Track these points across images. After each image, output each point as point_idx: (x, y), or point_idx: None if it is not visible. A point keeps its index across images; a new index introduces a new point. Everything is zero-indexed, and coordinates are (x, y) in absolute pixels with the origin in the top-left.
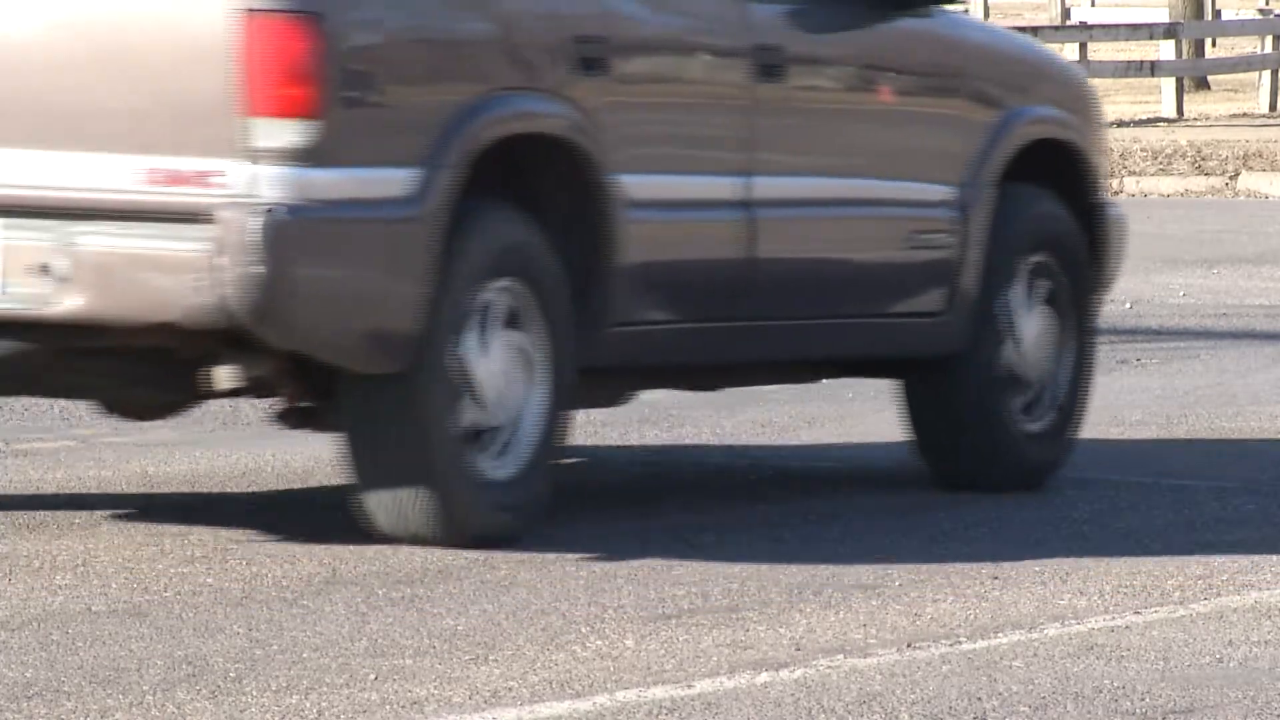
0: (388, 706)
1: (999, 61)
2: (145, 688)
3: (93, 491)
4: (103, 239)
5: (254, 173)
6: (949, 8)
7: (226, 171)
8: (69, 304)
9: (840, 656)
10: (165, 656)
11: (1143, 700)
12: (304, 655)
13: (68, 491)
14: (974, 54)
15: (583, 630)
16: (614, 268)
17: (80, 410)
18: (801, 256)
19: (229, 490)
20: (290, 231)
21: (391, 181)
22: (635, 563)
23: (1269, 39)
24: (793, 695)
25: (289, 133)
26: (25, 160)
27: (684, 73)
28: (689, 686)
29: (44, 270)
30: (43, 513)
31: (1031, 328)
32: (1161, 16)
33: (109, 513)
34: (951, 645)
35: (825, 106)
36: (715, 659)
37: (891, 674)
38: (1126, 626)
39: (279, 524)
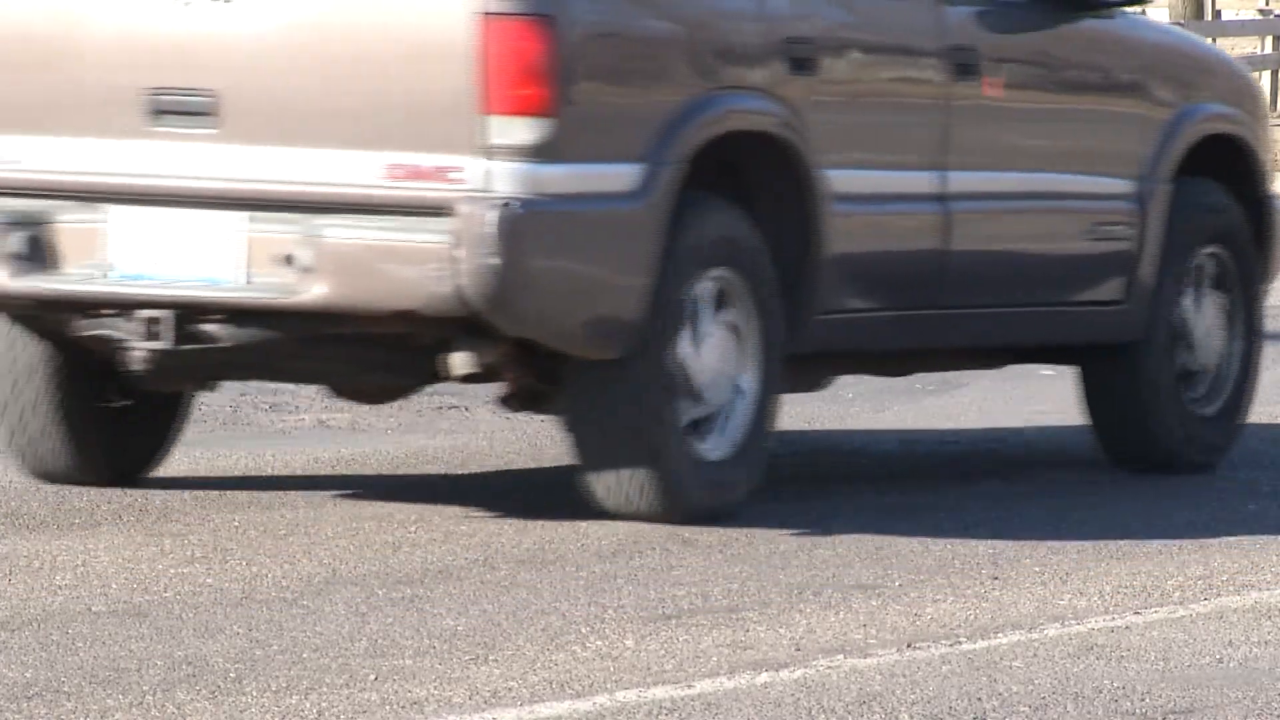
0: (388, 707)
1: (1174, 60)
2: (145, 688)
3: (92, 492)
4: (346, 231)
5: (490, 168)
6: (1128, 9)
7: (464, 167)
8: (313, 293)
9: (840, 657)
10: (165, 657)
11: (1143, 700)
12: (304, 655)
13: (68, 492)
14: (1151, 54)
15: (583, 630)
16: (820, 259)
17: None
18: (991, 248)
19: (229, 491)
20: (524, 224)
21: (617, 176)
22: (635, 563)
23: (1269, 39)
24: (793, 695)
25: (523, 130)
26: (269, 157)
27: (884, 72)
28: (689, 687)
29: (288, 261)
30: (43, 513)
31: (1205, 316)
32: (1162, 16)
33: (109, 513)
34: (951, 645)
35: (1014, 104)
36: (715, 659)
37: (891, 674)
38: (1126, 627)
39: (279, 524)
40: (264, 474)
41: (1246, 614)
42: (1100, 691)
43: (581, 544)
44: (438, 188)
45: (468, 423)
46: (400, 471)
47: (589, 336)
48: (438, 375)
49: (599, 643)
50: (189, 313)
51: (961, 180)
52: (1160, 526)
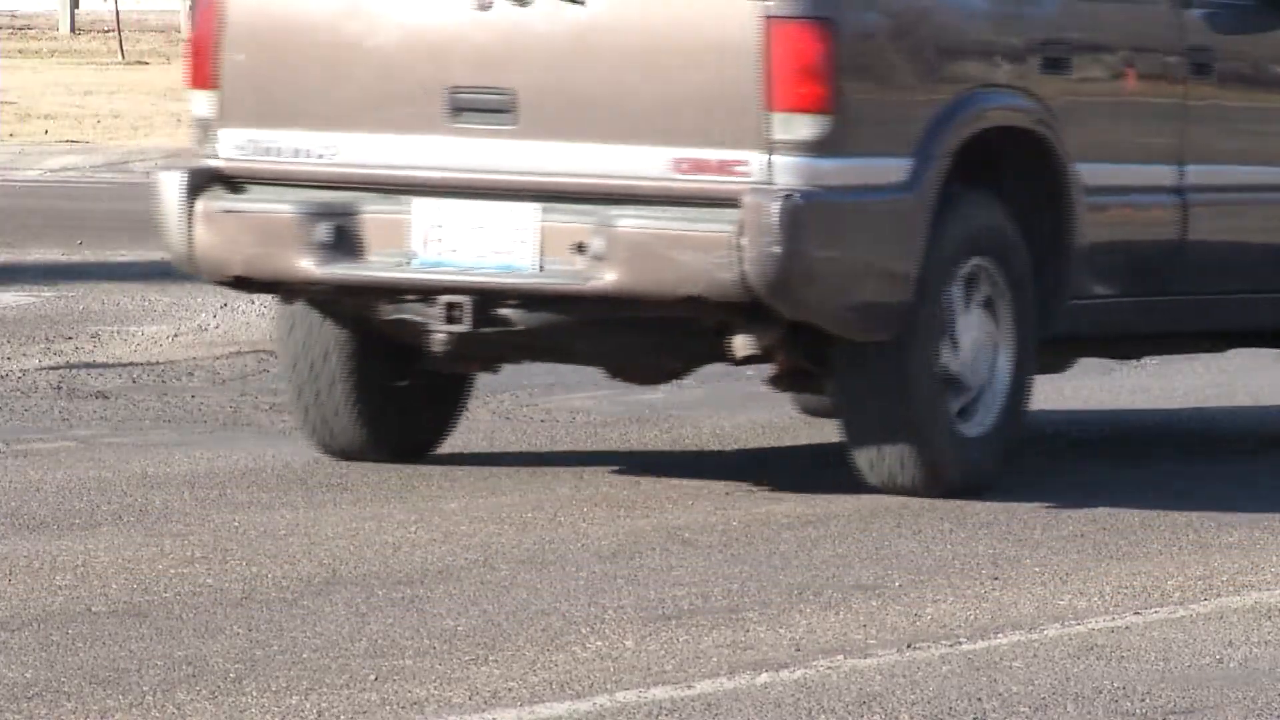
0: (388, 707)
1: None
2: (145, 688)
3: (92, 492)
4: (636, 221)
5: (773, 162)
6: None
7: (749, 161)
8: (605, 279)
9: (840, 657)
10: (165, 657)
11: (1143, 701)
12: (304, 656)
13: (67, 492)
14: None
15: (583, 631)
16: (1071, 248)
17: (80, 411)
18: (1225, 238)
19: (229, 491)
20: (805, 215)
21: (889, 170)
22: (635, 563)
23: None
24: (793, 696)
25: (804, 126)
26: (562, 151)
27: (1130, 71)
28: (689, 687)
29: (580, 249)
30: (42, 513)
31: None
32: None
33: (109, 513)
34: (951, 646)
35: (1246, 101)
36: (715, 659)
37: (891, 674)
38: (1127, 627)
39: (279, 524)
40: (264, 475)
41: (1247, 614)
42: (1100, 692)
43: (581, 544)
44: (724, 180)
45: (468, 423)
46: (400, 472)
47: (860, 320)
48: (712, 356)
49: (599, 643)
50: (486, 298)
51: (1198, 173)
52: (1160, 526)
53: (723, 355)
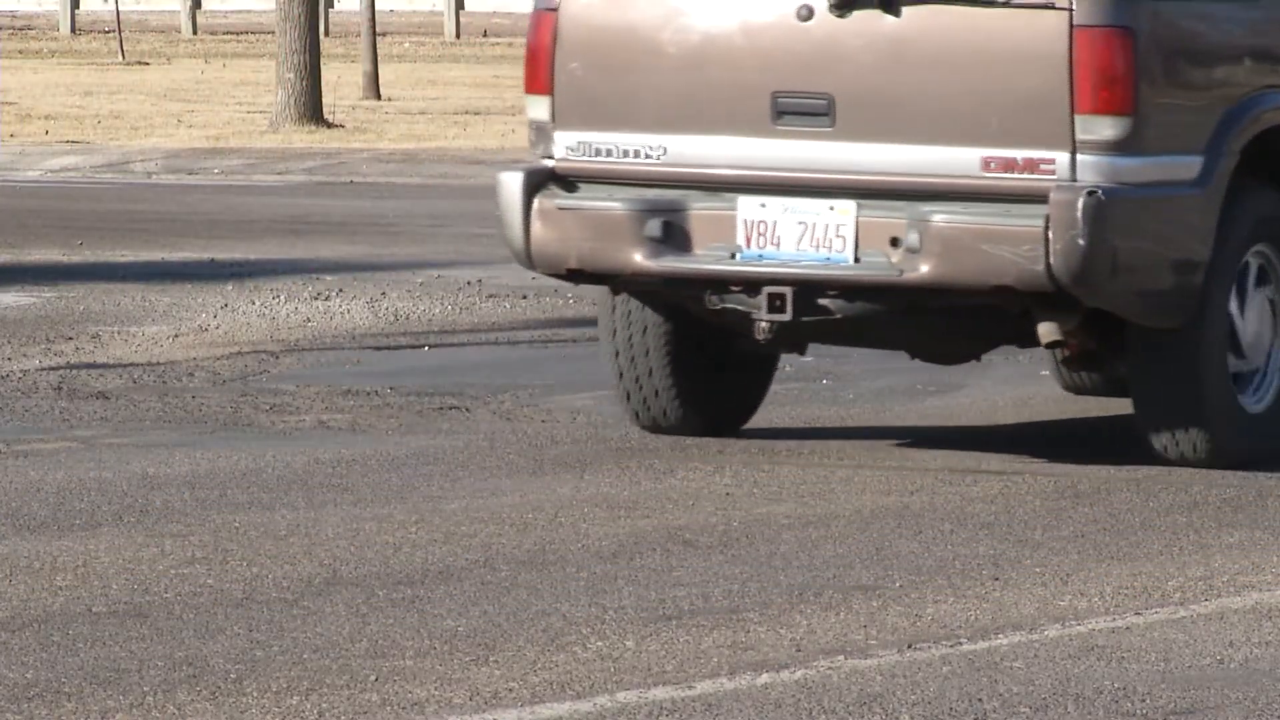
0: (388, 708)
1: None
2: (146, 689)
3: (93, 492)
4: (949, 216)
5: (1078, 160)
6: None
7: (1055, 160)
8: (920, 271)
9: (841, 657)
10: (166, 658)
11: (1143, 701)
12: (304, 656)
13: (68, 492)
14: None
15: (583, 631)
16: None
17: (80, 411)
18: None
19: (229, 491)
20: (1108, 210)
21: (1183, 167)
22: (636, 563)
23: None
24: (793, 696)
25: (1107, 127)
26: (877, 152)
27: None
28: (690, 688)
29: (895, 243)
30: (43, 513)
31: None
32: None
33: (109, 513)
34: (952, 646)
35: None
36: (716, 660)
37: (892, 675)
38: (1127, 627)
39: (279, 525)
40: (264, 475)
41: (1247, 615)
42: (1101, 692)
43: (582, 545)
44: (1031, 178)
45: (468, 423)
46: (400, 472)
47: (1156, 307)
48: (1009, 338)
49: (599, 644)
50: (808, 289)
51: None
52: (1160, 527)
53: (1018, 337)
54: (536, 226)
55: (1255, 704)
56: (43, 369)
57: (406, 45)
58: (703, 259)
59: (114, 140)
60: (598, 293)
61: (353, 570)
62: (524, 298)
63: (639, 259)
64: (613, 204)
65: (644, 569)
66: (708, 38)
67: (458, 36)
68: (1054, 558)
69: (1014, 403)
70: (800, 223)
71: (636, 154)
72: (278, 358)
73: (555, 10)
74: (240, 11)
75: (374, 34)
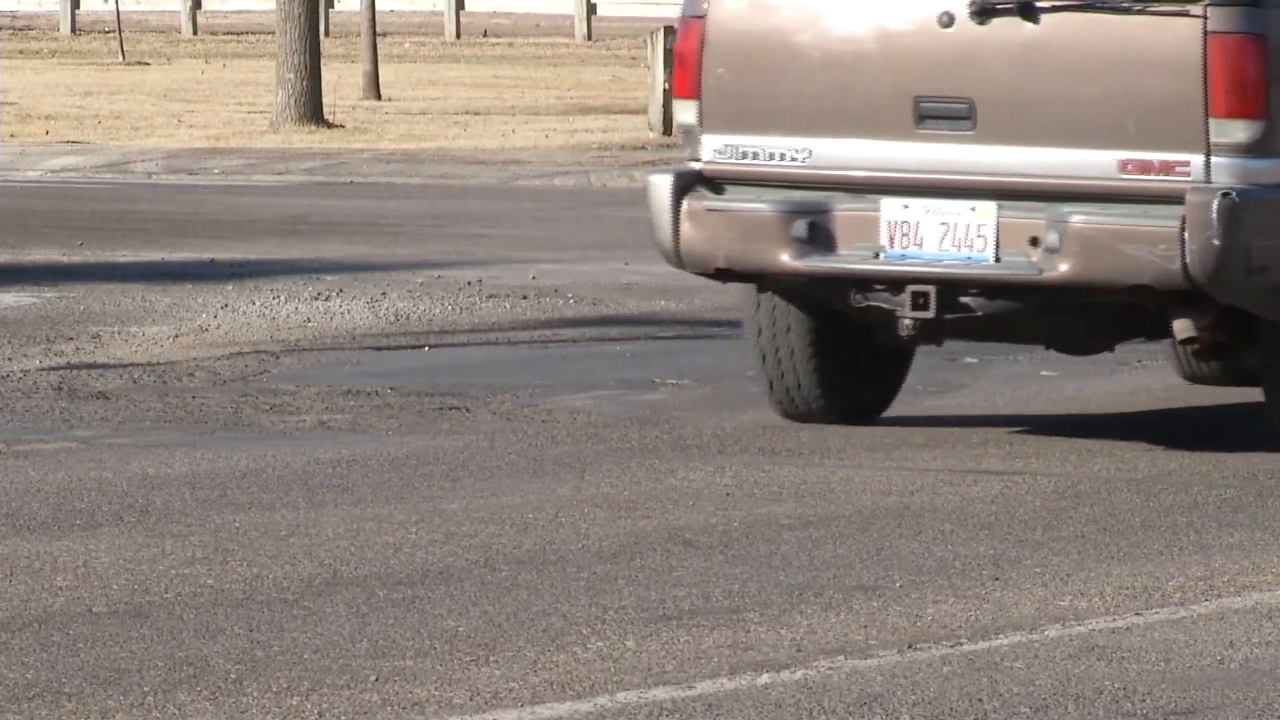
0: (389, 708)
1: None
2: (146, 689)
3: (93, 492)
4: (1087, 217)
5: (1212, 163)
6: None
7: (1190, 162)
8: (1059, 270)
9: (841, 658)
10: (166, 658)
11: (1144, 701)
12: (305, 656)
13: (68, 492)
14: None
15: (583, 631)
16: None
17: (80, 412)
18: None
19: (229, 491)
20: (1242, 211)
21: None
22: (636, 563)
23: None
24: (794, 696)
25: (1240, 130)
26: (1017, 154)
27: None
28: (690, 688)
29: (1034, 243)
30: (43, 513)
31: None
32: None
33: (109, 513)
34: (952, 646)
35: None
36: (716, 660)
37: (892, 675)
38: (1127, 628)
39: (280, 525)
40: (265, 475)
41: (1247, 615)
42: (1101, 692)
43: (582, 545)
44: (1167, 180)
45: (468, 423)
46: (401, 472)
47: None
48: (1141, 333)
49: (600, 644)
50: (950, 287)
51: None
52: (1161, 527)
53: (1150, 331)
54: (686, 228)
55: (1255, 704)
56: (43, 369)
57: (407, 45)
58: (847, 259)
59: (114, 140)
60: (741, 289)
61: (353, 570)
62: (524, 298)
63: (786, 259)
64: (760, 205)
65: (644, 569)
66: (851, 44)
67: (458, 37)
68: (1054, 558)
69: (1014, 403)
70: (942, 223)
71: (782, 157)
72: (278, 358)
73: (702, 18)
74: (240, 11)
75: (374, 34)
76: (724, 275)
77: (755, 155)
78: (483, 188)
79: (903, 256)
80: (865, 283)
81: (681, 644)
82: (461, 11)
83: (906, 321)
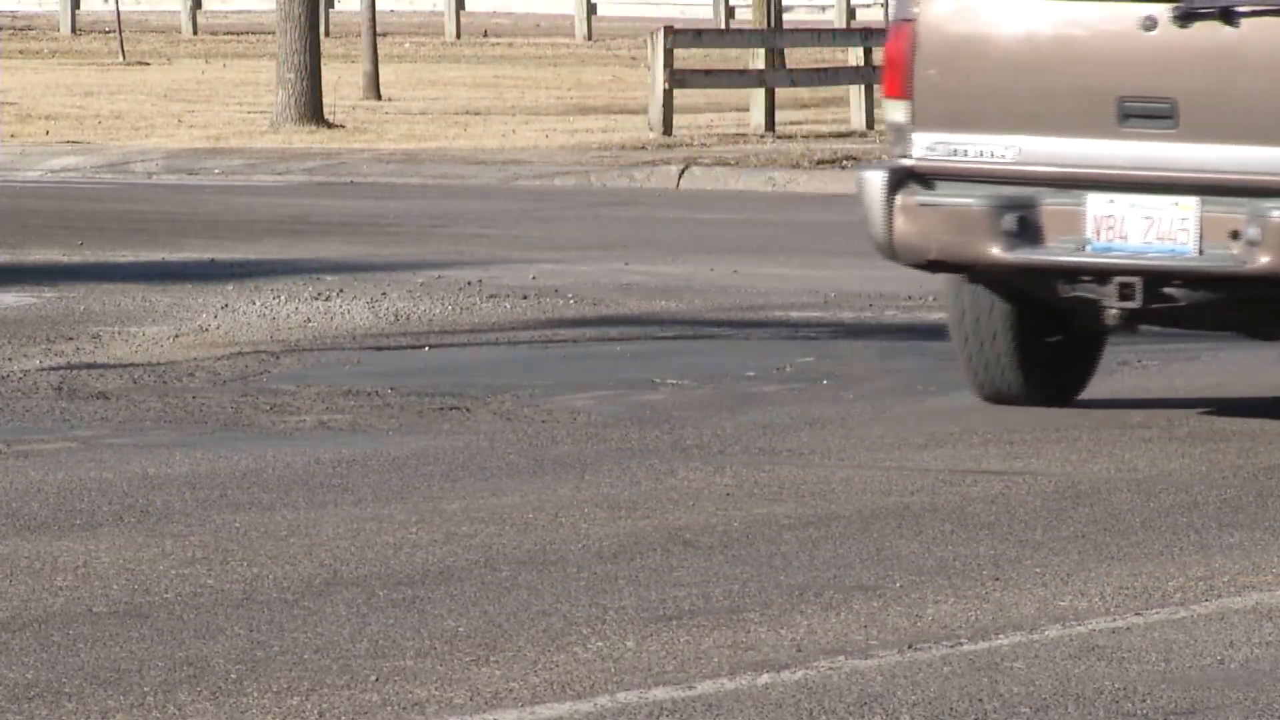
0: (389, 708)
1: None
2: (146, 689)
3: (93, 492)
4: None
5: None
6: None
7: None
8: (1260, 262)
9: (841, 658)
10: (166, 658)
11: (1144, 702)
12: (305, 657)
13: (68, 492)
14: None
15: (584, 631)
16: None
17: (81, 412)
18: None
19: (230, 491)
20: None
21: None
22: (636, 563)
23: None
24: (794, 697)
25: None
26: (1219, 152)
27: None
28: (690, 688)
29: (1235, 236)
30: (43, 514)
31: None
32: None
33: (109, 514)
34: (952, 646)
35: None
36: (716, 660)
37: (892, 675)
38: (1128, 628)
39: (280, 525)
40: (265, 475)
41: (1248, 615)
42: (1101, 693)
43: (582, 545)
44: None
45: (468, 423)
46: (401, 472)
47: None
48: None
49: (600, 644)
50: (1154, 279)
51: None
52: (1161, 527)
53: None
54: (899, 222)
55: (1256, 704)
56: (43, 369)
57: (407, 45)
58: (1055, 251)
59: (114, 140)
60: (943, 279)
61: (353, 570)
62: (524, 298)
63: (996, 251)
64: (970, 200)
65: (644, 569)
66: (1056, 45)
67: (458, 37)
68: (1054, 558)
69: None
70: (1146, 217)
71: (990, 154)
72: (278, 358)
73: (913, 21)
74: (241, 11)
75: (374, 34)
76: (935, 267)
77: (964, 152)
78: (483, 188)
79: (1108, 249)
80: (1073, 274)
81: (681, 644)
82: (461, 11)
83: (1112, 311)
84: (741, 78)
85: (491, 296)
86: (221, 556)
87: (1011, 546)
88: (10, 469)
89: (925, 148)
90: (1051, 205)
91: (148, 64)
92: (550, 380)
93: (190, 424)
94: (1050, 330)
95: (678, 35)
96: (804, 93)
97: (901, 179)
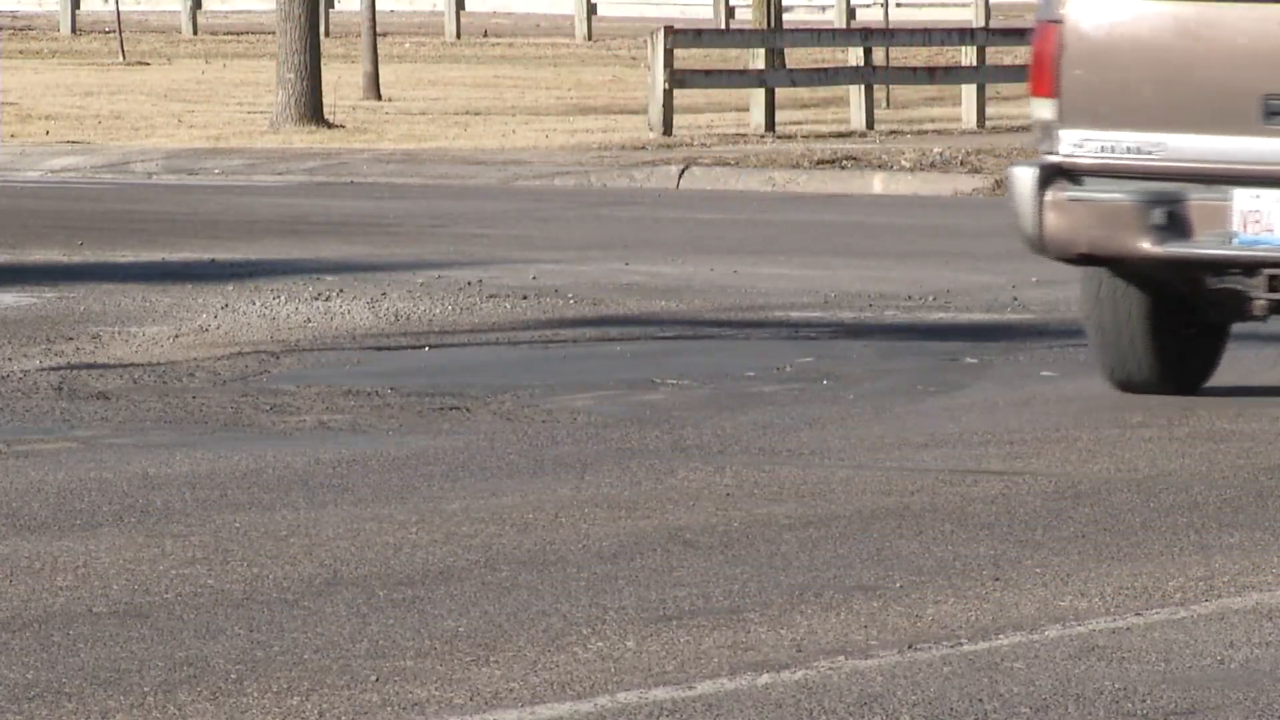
0: (389, 708)
1: None
2: (146, 689)
3: (93, 492)
4: None
5: None
6: None
7: None
8: None
9: (841, 658)
10: (166, 658)
11: (1144, 702)
12: (305, 657)
13: (68, 492)
14: None
15: (584, 631)
16: None
17: (81, 412)
18: None
19: (230, 492)
20: None
21: None
22: (636, 563)
23: None
24: (794, 697)
25: None
26: None
27: None
28: (690, 688)
29: None
30: (43, 514)
31: None
32: None
33: (109, 514)
34: (953, 647)
35: None
36: (716, 660)
37: (892, 675)
38: (1128, 628)
39: (280, 525)
40: (265, 475)
41: (1248, 615)
42: (1101, 693)
43: (582, 545)
44: None
45: (468, 423)
46: (401, 472)
47: None
48: None
49: (600, 644)
50: None
51: None
52: (1161, 527)
53: None
54: (1050, 216)
55: (1256, 704)
56: (43, 369)
57: (407, 45)
58: (1203, 244)
59: (114, 140)
60: (1079, 270)
61: (353, 571)
62: (524, 298)
63: (1146, 245)
64: (1120, 195)
65: (644, 569)
66: (1201, 45)
67: (458, 37)
68: (1054, 558)
69: (1014, 403)
70: None
71: (1137, 150)
72: (278, 358)
73: (1059, 22)
74: (241, 12)
75: (374, 34)
76: (1084, 260)
77: (1111, 149)
78: (483, 188)
79: (1255, 242)
80: (1221, 267)
81: (681, 644)
82: (461, 11)
83: (1261, 302)
84: (741, 78)
85: (491, 296)
86: (221, 556)
87: (1011, 546)
88: (10, 469)
89: (1072, 144)
90: (1198, 200)
91: (148, 64)
92: (550, 380)
93: (190, 424)
94: (1183, 321)
95: (678, 35)
96: (804, 93)
97: (1051, 175)
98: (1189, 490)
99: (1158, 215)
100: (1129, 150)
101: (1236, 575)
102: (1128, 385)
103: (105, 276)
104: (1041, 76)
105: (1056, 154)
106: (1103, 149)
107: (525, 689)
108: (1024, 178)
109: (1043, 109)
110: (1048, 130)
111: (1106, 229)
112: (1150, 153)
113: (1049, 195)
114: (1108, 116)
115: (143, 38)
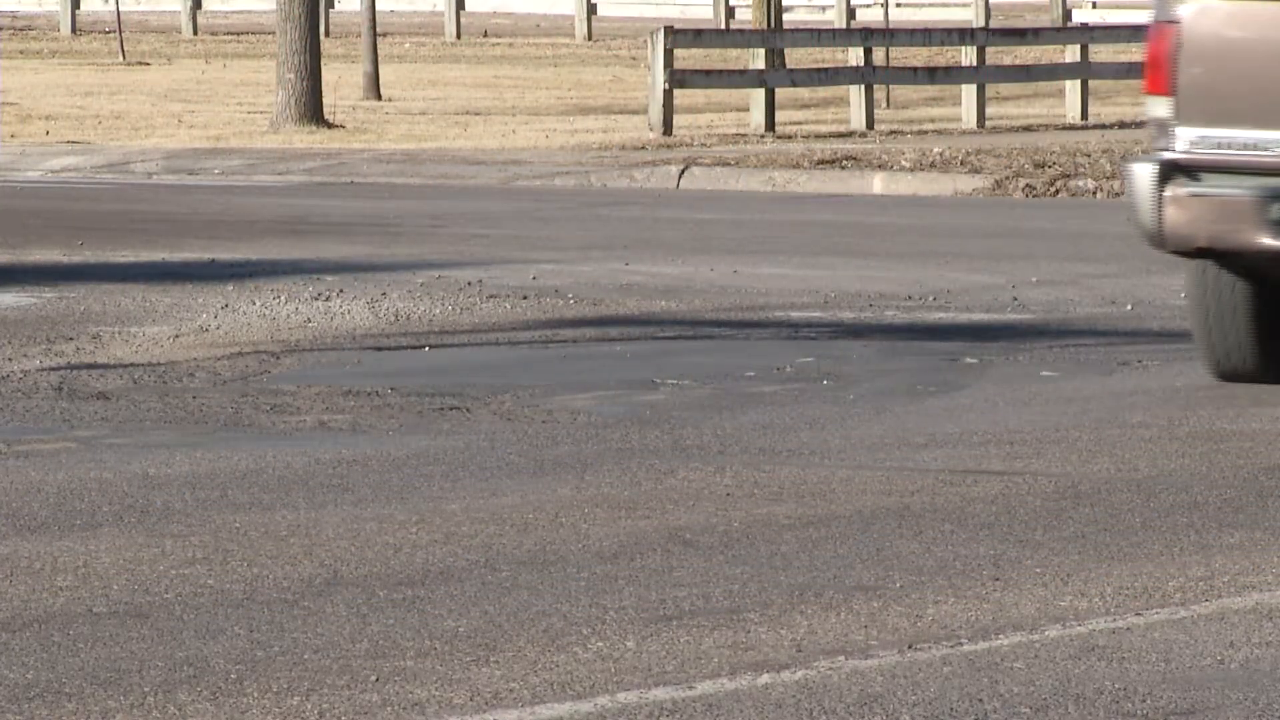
0: (389, 708)
1: None
2: (146, 689)
3: (93, 492)
4: None
5: None
6: None
7: None
8: None
9: (841, 658)
10: (166, 658)
11: (1144, 702)
12: (305, 657)
13: (68, 492)
14: None
15: (584, 631)
16: None
17: (81, 412)
18: None
19: (230, 492)
20: None
21: None
22: (636, 563)
23: None
24: (794, 697)
25: None
26: None
27: None
28: (690, 688)
29: None
30: (43, 514)
31: None
32: None
33: (109, 514)
34: (953, 647)
35: None
36: (716, 660)
37: (893, 675)
38: (1128, 628)
39: (280, 525)
40: (265, 475)
41: (1248, 615)
42: (1101, 693)
43: (582, 545)
44: None
45: (468, 423)
46: (401, 472)
47: None
48: None
49: (600, 644)
50: None
51: None
52: (1161, 527)
53: None
54: (1169, 211)
55: (1256, 705)
56: (43, 369)
57: (407, 45)
58: None
59: (114, 140)
60: (1186, 262)
61: (353, 571)
62: (524, 298)
63: (1266, 239)
64: (1239, 191)
65: (644, 569)
66: None
67: (458, 37)
68: (1054, 558)
69: (1014, 403)
70: None
71: (1255, 147)
72: (278, 358)
73: (1175, 22)
74: (241, 12)
75: (374, 34)
76: (1203, 254)
77: (1228, 146)
78: (483, 188)
79: None
80: None
81: (681, 644)
82: (461, 11)
83: None
84: (741, 78)
85: (491, 296)
86: (221, 556)
87: (1011, 546)
88: (10, 469)
89: (1189, 141)
90: None
91: (148, 64)
92: (550, 380)
93: (190, 424)
94: None
95: (678, 35)
96: (804, 93)
97: (1169, 171)
98: (1189, 490)
99: (1278, 210)
100: (1245, 146)
101: (1236, 575)
102: (1231, 376)
103: (105, 276)
104: (1157, 75)
105: (1173, 150)
106: (1220, 145)
107: (525, 689)
108: (1143, 174)
109: (1158, 107)
110: (1164, 127)
111: (1226, 223)
112: (1267, 149)
113: (1168, 191)
114: (1224, 114)
115: (143, 38)
